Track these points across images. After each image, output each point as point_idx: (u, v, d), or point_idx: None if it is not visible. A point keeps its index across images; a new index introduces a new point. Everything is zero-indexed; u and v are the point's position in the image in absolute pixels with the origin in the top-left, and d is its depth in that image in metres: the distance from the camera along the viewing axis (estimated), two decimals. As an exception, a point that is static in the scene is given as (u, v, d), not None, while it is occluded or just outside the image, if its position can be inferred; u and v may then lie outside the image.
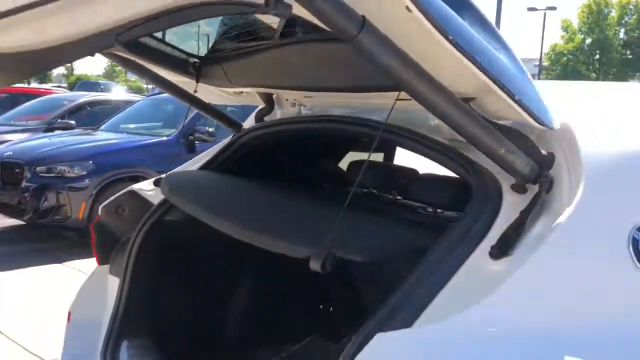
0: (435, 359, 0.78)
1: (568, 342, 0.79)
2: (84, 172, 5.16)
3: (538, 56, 45.11)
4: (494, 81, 0.79)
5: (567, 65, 47.67)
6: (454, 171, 1.13)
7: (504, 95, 0.81)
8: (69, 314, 1.74)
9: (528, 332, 0.79)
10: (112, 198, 1.77)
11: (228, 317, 1.87)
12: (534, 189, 0.93)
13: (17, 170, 5.26)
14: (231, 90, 1.65)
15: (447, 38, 0.72)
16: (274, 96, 1.67)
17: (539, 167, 0.92)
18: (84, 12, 0.77)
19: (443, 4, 0.73)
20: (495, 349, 0.78)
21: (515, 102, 0.83)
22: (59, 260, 4.67)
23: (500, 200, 0.95)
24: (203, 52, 1.53)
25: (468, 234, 0.90)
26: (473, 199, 0.97)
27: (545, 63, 48.84)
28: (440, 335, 0.79)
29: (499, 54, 0.83)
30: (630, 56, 48.22)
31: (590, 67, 47.15)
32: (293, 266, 1.06)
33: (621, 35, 46.49)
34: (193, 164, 1.83)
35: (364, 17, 0.74)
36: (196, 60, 1.51)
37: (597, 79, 48.51)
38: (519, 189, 0.95)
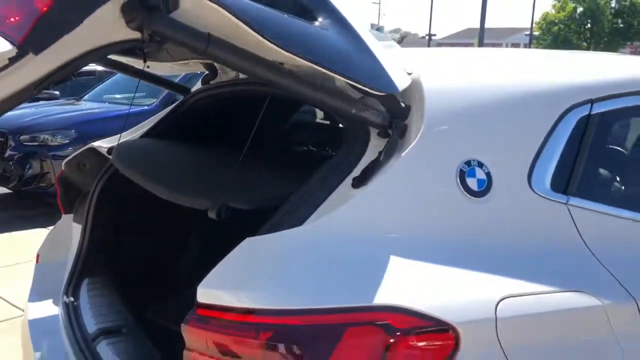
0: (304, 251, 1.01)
1: (400, 245, 1.03)
2: (67, 141, 5.33)
3: (529, 25, 44.91)
4: (301, 56, 1.00)
5: (558, 34, 47.39)
6: (342, 123, 1.36)
7: (320, 68, 1.03)
8: (37, 256, 1.97)
9: (370, 236, 1.03)
10: (74, 154, 1.98)
11: (180, 262, 2.11)
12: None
13: (1, 140, 5.43)
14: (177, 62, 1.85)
15: (249, 25, 0.94)
16: (214, 63, 1.87)
17: (392, 117, 1.14)
18: (9, 81, 0.97)
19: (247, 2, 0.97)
20: (343, 247, 1.01)
21: (335, 72, 1.04)
22: (43, 225, 4.89)
23: (367, 143, 1.17)
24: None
25: (338, 168, 1.14)
26: (345, 142, 1.20)
27: (537, 32, 48.62)
28: (306, 236, 1.02)
29: (323, 32, 1.06)
30: (621, 25, 47.89)
31: (582, 36, 46.88)
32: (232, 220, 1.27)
33: (612, 4, 46.15)
34: (146, 126, 2.04)
35: (209, 33, 0.98)
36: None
37: (587, 48, 48.34)
38: (383, 134, 1.17)
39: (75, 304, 1.69)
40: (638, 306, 1.15)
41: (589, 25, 46.67)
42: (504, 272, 1.07)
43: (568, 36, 47.02)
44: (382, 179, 1.08)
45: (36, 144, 5.35)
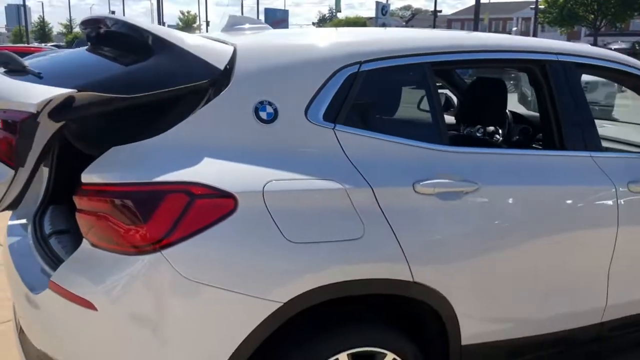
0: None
1: (210, 151, 1.70)
2: None
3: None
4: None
5: (564, 7, 46.72)
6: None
7: None
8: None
9: (192, 145, 1.69)
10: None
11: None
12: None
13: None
14: None
15: None
16: None
17: (214, 77, 1.79)
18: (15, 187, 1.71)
19: None
20: (173, 151, 1.67)
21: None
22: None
23: (206, 94, 1.84)
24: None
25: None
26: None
27: (542, 6, 48.17)
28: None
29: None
30: (629, -4, 46.88)
31: (589, 8, 46.15)
32: None
33: (619, -26, 45.26)
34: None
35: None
36: None
37: (594, 21, 47.82)
38: (214, 86, 1.84)
39: (41, 218, 2.39)
40: (373, 191, 1.83)
41: (595, -3, 45.79)
42: (278, 166, 1.75)
43: (574, 9, 46.35)
44: (205, 109, 1.75)
45: None
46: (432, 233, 1.94)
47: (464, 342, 2.07)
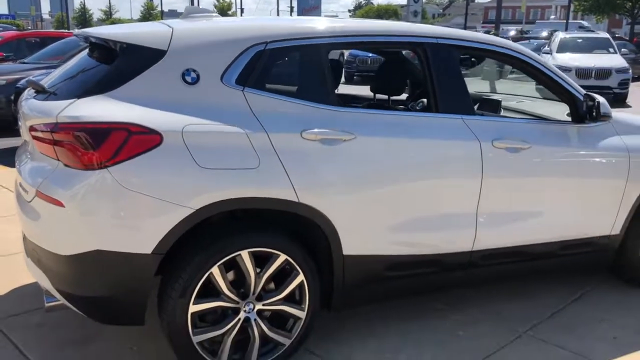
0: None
1: (146, 105, 2.44)
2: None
3: (568, -14, 43.72)
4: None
5: (599, -6, 45.58)
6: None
7: None
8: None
9: (133, 98, 2.44)
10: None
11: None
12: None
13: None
14: None
15: None
16: None
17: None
18: None
19: None
20: (121, 104, 2.43)
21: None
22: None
23: (148, 67, 2.57)
24: None
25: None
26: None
27: (578, -7, 47.30)
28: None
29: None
30: (668, -18, 45.50)
31: (625, -6, 44.91)
32: None
33: (658, -40, 44.00)
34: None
35: None
36: None
37: (632, 8, 46.82)
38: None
39: None
40: (268, 135, 2.54)
41: (632, -17, 44.62)
42: (197, 115, 2.48)
43: (610, -5, 45.15)
44: (146, 73, 2.49)
45: None
46: (315, 168, 2.64)
47: (345, 252, 2.78)
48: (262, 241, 2.61)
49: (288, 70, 2.91)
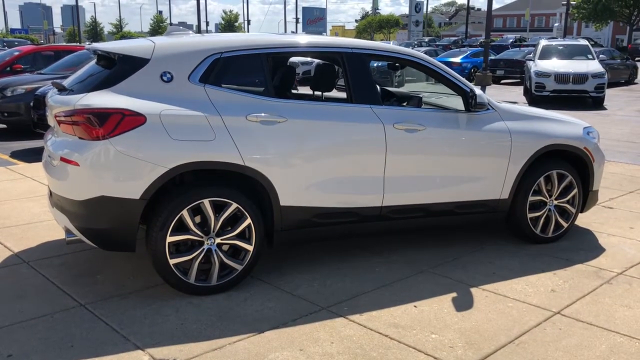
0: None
1: (133, 96, 3.52)
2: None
3: (567, -5, 44.61)
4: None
5: (598, 2, 46.52)
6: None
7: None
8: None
9: (125, 92, 3.52)
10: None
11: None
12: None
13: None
14: None
15: None
16: None
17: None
18: None
19: None
20: (120, 96, 3.52)
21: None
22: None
23: (135, 71, 3.65)
24: None
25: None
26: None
27: (574, 2, 48.21)
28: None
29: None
30: (664, -10, 46.23)
31: (622, 2, 45.84)
32: None
33: (654, -32, 44.80)
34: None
35: None
36: None
37: (630, 15, 47.54)
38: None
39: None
40: (222, 118, 3.62)
41: (630, -9, 45.38)
42: (170, 104, 3.56)
43: (609, 3, 46.05)
44: (135, 76, 3.58)
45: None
46: (257, 140, 3.71)
47: (282, 203, 3.84)
48: (219, 193, 3.67)
49: (238, 71, 3.99)
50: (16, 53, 13.58)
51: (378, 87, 4.58)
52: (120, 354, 3.02)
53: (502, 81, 24.71)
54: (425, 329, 3.35)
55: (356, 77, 4.11)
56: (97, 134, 3.43)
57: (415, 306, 3.66)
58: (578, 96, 16.45)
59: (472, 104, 4.34)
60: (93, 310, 3.52)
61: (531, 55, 18.94)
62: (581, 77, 16.26)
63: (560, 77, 16.35)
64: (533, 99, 16.53)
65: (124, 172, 3.45)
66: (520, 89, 19.88)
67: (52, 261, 4.31)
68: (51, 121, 3.86)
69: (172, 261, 3.61)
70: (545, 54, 17.90)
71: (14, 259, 4.37)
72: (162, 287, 3.76)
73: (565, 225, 4.94)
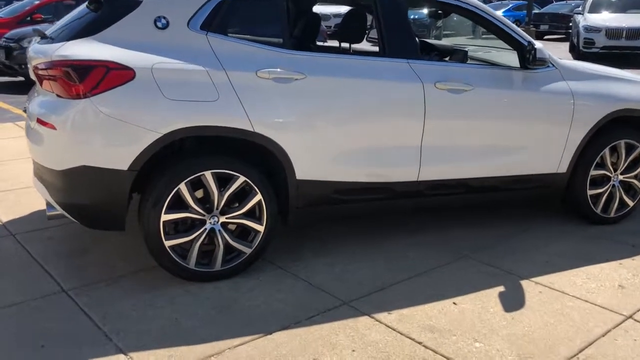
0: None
1: (120, 46, 2.91)
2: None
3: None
4: None
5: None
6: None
7: None
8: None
9: (113, 41, 2.92)
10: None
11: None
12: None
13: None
14: None
15: None
16: None
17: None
18: None
19: None
20: (106, 47, 2.92)
21: None
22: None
23: (125, 15, 3.04)
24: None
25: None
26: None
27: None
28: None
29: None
30: None
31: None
32: None
33: None
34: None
35: None
36: None
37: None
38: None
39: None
40: (227, 73, 2.99)
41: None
42: (166, 55, 2.95)
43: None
44: (123, 20, 2.96)
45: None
46: (269, 101, 3.09)
47: (298, 177, 3.23)
48: (223, 164, 3.08)
49: (248, 17, 3.33)
50: (36, 2, 13.05)
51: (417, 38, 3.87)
52: (96, 359, 2.51)
53: (546, 37, 23.27)
54: (467, 335, 2.76)
55: (391, 25, 3.42)
56: (76, 91, 2.85)
57: (454, 303, 3.06)
58: (631, 53, 15.25)
59: (530, 59, 3.61)
60: (75, 298, 3.01)
61: (579, 9, 17.64)
62: (635, 33, 15.01)
63: (612, 32, 15.13)
64: (580, 56, 15.38)
65: (109, 138, 2.88)
66: (565, 46, 18.64)
67: (41, 234, 3.82)
68: (32, 75, 3.29)
69: (167, 243, 3.07)
70: (596, 6, 16.60)
71: (0, 229, 3.90)
72: (158, 270, 3.23)
73: (631, 203, 4.24)
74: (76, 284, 3.15)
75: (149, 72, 2.89)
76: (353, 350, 2.62)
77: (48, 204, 3.19)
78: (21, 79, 10.46)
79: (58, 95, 2.92)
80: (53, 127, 2.90)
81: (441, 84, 3.45)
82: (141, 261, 3.40)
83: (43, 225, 3.93)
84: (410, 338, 2.73)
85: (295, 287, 3.19)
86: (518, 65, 3.75)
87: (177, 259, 3.10)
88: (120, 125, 2.86)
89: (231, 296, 3.07)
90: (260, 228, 3.24)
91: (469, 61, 4.20)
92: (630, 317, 2.96)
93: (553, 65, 3.82)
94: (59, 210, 3.12)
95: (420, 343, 2.69)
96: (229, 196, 3.14)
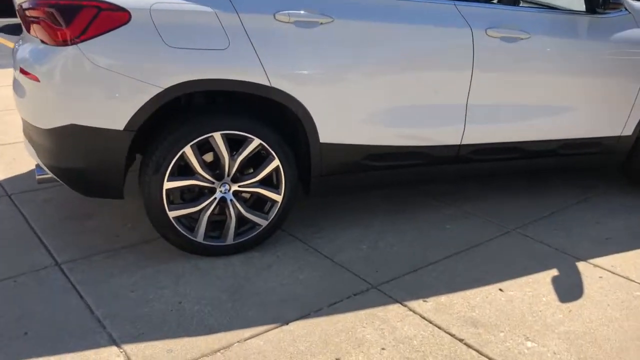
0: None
1: None
2: None
3: None
4: None
5: None
6: None
7: None
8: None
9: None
10: None
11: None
12: None
13: None
14: None
15: None
16: None
17: None
18: None
19: None
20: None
21: None
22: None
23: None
24: None
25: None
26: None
27: None
28: None
29: None
30: None
31: None
32: None
33: None
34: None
35: None
36: None
37: None
38: None
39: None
40: (239, 16, 2.51)
41: None
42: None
43: None
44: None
45: None
46: (290, 50, 2.61)
47: (322, 140, 2.78)
48: (235, 125, 2.65)
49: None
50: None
51: None
52: (84, 351, 2.16)
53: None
54: (517, 331, 2.35)
55: (435, -39, 2.86)
56: (62, 36, 2.41)
57: (500, 289, 2.64)
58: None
59: (600, 2, 3.04)
60: (69, 273, 2.66)
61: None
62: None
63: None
64: None
65: (101, 92, 2.46)
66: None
67: (39, 195, 3.47)
68: (19, 18, 2.85)
69: (171, 214, 2.68)
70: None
71: (-4, 189, 3.57)
72: (164, 241, 2.86)
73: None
74: (72, 256, 2.79)
75: (147, 13, 2.43)
76: (382, 349, 2.23)
77: (37, 166, 2.81)
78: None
79: (42, 42, 2.49)
80: (36, 79, 2.48)
81: (493, 31, 2.91)
82: (148, 230, 3.04)
83: (42, 185, 3.57)
84: (449, 334, 2.32)
85: (317, 265, 2.79)
86: (584, 9, 3.18)
87: (183, 231, 2.72)
88: (113, 77, 2.43)
89: (245, 274, 2.68)
90: (278, 198, 2.83)
91: (524, 4, 3.62)
92: None
93: (626, 10, 3.23)
94: (49, 174, 2.74)
95: (461, 340, 2.29)
96: (241, 161, 2.71)
